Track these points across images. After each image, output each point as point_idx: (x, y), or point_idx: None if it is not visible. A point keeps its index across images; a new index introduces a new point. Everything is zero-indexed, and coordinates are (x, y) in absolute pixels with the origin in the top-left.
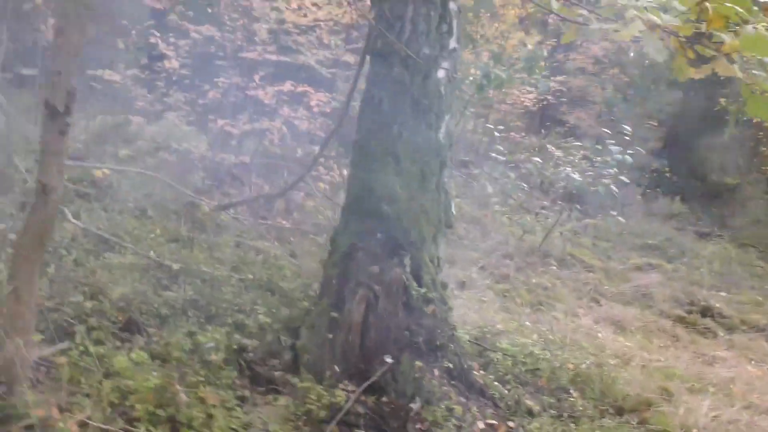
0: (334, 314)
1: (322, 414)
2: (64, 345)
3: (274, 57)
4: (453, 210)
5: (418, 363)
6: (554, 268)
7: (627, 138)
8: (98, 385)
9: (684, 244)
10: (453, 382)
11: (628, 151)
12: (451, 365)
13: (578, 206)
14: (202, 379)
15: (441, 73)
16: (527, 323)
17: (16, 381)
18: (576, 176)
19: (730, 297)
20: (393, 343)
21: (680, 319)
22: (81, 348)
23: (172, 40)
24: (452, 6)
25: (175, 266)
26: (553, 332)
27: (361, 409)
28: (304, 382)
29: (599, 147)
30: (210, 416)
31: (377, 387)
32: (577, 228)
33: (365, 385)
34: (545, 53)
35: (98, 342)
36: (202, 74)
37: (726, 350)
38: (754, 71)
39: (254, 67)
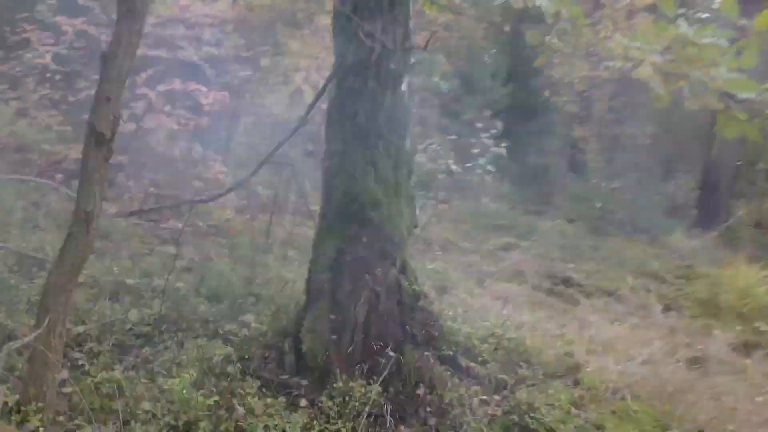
0: (333, 317)
1: (367, 409)
2: (65, 374)
3: (153, 53)
4: (417, 211)
5: (426, 353)
6: (439, 253)
7: (495, 131)
8: (141, 409)
9: (528, 222)
10: (444, 366)
11: (502, 145)
12: (450, 352)
13: (453, 194)
14: (251, 391)
15: (404, 86)
16: (444, 307)
17: (54, 417)
18: (455, 167)
19: (577, 267)
20: (391, 337)
21: (549, 291)
22: (102, 374)
23: (43, 34)
24: (411, 24)
25: (129, 281)
26: (472, 312)
27: (382, 401)
28: (342, 383)
29: (474, 140)
30: (267, 426)
31: (381, 379)
32: (435, 213)
33: (381, 377)
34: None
35: (107, 367)
36: (76, 70)
37: (592, 314)
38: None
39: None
